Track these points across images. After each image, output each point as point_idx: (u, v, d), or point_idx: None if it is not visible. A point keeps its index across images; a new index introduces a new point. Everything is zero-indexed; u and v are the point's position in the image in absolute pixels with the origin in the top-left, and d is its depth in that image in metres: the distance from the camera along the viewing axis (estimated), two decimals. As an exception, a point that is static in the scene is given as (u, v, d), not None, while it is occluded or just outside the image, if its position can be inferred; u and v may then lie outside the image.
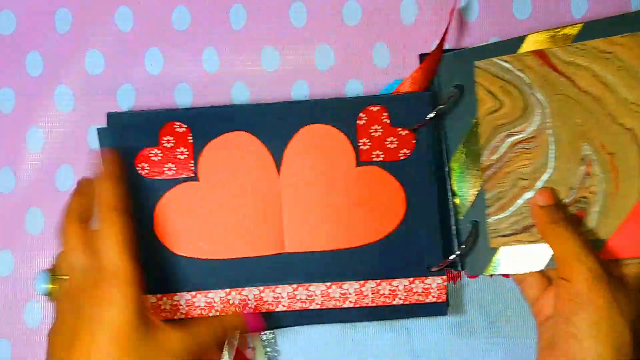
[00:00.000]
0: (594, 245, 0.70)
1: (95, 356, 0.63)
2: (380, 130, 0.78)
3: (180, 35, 0.84)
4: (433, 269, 0.76)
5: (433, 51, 0.79)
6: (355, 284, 0.77)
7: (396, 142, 0.77)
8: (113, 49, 0.83)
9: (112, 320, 0.64)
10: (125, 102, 0.83)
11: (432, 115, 0.77)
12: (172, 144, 0.76)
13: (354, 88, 0.83)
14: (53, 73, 0.83)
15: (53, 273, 0.68)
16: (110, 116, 0.77)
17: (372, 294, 0.77)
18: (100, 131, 0.76)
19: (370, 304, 0.77)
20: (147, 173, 0.77)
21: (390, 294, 0.77)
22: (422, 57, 0.81)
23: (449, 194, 0.78)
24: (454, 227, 0.78)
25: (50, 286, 0.68)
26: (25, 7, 0.84)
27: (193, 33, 0.84)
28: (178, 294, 0.75)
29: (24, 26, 0.84)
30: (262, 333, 0.79)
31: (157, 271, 0.75)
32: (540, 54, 0.74)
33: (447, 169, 0.78)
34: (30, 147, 0.82)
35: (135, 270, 0.66)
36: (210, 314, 0.75)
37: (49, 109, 0.83)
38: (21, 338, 0.80)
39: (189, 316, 0.75)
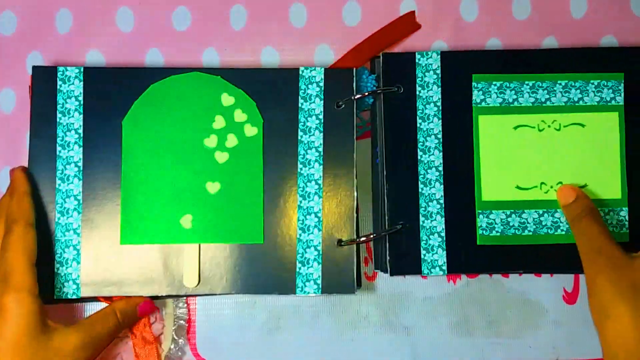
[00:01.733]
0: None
1: None
2: None
3: (181, 36, 0.79)
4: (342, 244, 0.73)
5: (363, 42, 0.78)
6: None
7: None
8: (113, 49, 0.79)
9: (10, 331, 0.64)
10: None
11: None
12: None
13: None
14: (53, 73, 0.77)
15: None
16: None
17: None
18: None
19: None
20: None
21: None
22: (387, 56, 0.76)
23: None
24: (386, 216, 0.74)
25: None
26: (26, 8, 0.79)
27: (193, 33, 0.79)
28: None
29: (25, 27, 0.79)
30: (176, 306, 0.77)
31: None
32: None
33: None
34: (28, 142, 0.75)
35: (32, 277, 0.66)
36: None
37: (49, 109, 0.78)
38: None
39: None
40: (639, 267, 0.63)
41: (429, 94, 0.75)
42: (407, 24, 0.79)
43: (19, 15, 0.79)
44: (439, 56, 0.75)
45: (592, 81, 0.74)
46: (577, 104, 0.74)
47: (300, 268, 0.73)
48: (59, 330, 0.66)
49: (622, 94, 0.74)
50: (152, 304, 0.73)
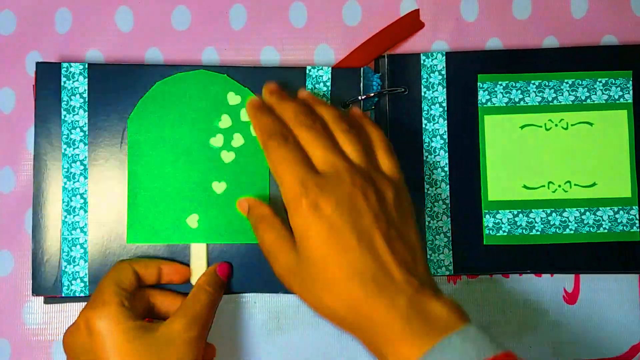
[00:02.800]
0: None
1: None
2: None
3: (180, 35, 0.76)
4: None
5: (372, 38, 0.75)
6: None
7: None
8: (113, 48, 0.76)
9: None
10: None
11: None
12: None
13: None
14: (53, 73, 0.76)
15: None
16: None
17: None
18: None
19: None
20: None
21: None
22: (392, 57, 0.74)
23: None
24: None
25: None
26: (26, 7, 0.76)
27: (193, 33, 0.76)
28: None
29: (24, 26, 0.76)
30: None
31: None
32: None
33: None
34: (30, 147, 0.74)
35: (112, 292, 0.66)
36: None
37: (49, 108, 0.77)
38: (20, 338, 0.73)
39: None
40: (307, 264, 0.60)
41: (434, 94, 0.73)
42: (412, 22, 0.76)
43: (18, 14, 0.76)
44: (444, 57, 0.73)
45: (599, 79, 0.72)
46: (584, 103, 0.72)
47: None
48: (158, 323, 0.64)
49: (631, 92, 0.72)
50: (227, 264, 0.71)
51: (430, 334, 0.53)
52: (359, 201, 0.58)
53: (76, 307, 0.72)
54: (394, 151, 0.66)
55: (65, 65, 0.72)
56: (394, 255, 0.57)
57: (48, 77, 0.72)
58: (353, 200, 0.58)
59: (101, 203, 0.71)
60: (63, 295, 0.70)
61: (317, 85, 0.72)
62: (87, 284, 0.70)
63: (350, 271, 0.56)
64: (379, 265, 0.56)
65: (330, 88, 0.72)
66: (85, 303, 0.65)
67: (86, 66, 0.72)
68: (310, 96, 0.68)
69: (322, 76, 0.72)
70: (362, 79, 0.73)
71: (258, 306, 0.73)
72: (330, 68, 0.72)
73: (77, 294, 0.70)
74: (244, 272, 0.71)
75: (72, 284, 0.70)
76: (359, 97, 0.72)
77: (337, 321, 0.58)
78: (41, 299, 0.72)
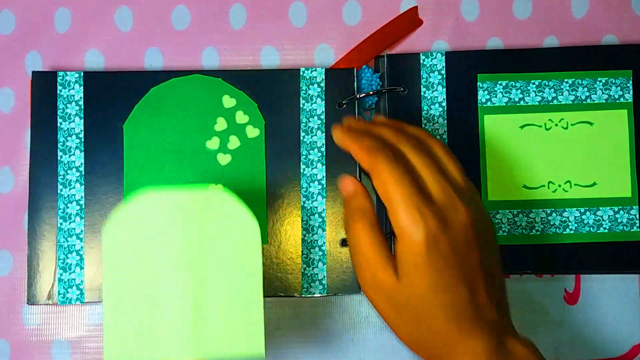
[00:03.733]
0: None
1: None
2: None
3: (180, 35, 0.76)
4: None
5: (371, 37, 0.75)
6: None
7: None
8: (112, 48, 0.76)
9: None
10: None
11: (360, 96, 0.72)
12: None
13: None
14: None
15: None
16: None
17: None
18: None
19: None
20: None
21: None
22: (391, 57, 0.74)
23: None
24: None
25: None
26: (25, 7, 0.76)
27: (193, 33, 0.76)
28: None
29: (24, 26, 0.76)
30: None
31: None
32: None
33: None
34: (29, 146, 0.73)
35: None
36: None
37: (49, 108, 0.77)
38: (20, 338, 0.73)
39: None
40: (409, 293, 0.58)
41: (434, 94, 0.73)
42: (410, 20, 0.76)
43: (18, 14, 0.76)
44: (444, 57, 0.73)
45: (599, 79, 0.72)
46: (584, 102, 0.72)
47: (305, 269, 0.71)
48: None
49: (631, 91, 0.72)
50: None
51: None
52: (471, 237, 0.57)
53: (75, 307, 0.72)
54: None
55: (61, 73, 0.72)
56: (489, 296, 0.57)
57: (44, 85, 0.72)
58: (468, 237, 0.57)
59: (97, 209, 0.71)
60: (59, 303, 0.70)
61: (311, 87, 0.72)
62: (83, 291, 0.70)
63: (453, 310, 0.56)
64: (476, 308, 0.56)
65: (324, 89, 0.72)
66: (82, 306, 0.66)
67: (82, 74, 0.72)
68: (389, 120, 0.67)
69: (315, 77, 0.72)
70: (356, 79, 0.73)
71: (258, 306, 0.73)
72: (323, 69, 0.72)
73: (72, 302, 0.70)
74: None
75: (67, 292, 0.70)
76: (356, 96, 0.72)
77: (424, 352, 0.58)
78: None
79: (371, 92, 0.72)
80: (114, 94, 0.72)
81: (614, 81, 0.72)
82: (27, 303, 0.70)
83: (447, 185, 0.58)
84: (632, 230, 0.71)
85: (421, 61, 0.73)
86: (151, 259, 0.58)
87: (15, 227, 0.74)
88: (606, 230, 0.71)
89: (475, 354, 0.55)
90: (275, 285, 0.71)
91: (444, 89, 0.72)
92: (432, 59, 0.73)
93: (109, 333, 0.57)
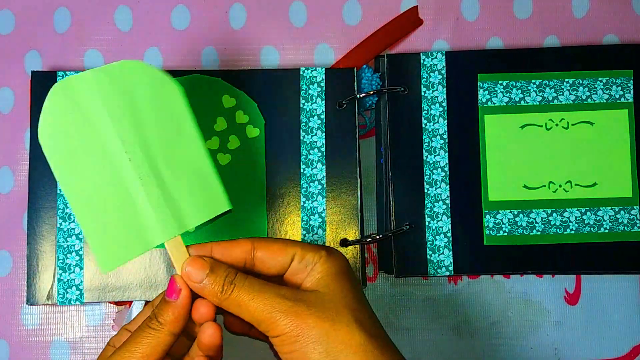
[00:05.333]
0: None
1: None
2: None
3: (180, 35, 0.76)
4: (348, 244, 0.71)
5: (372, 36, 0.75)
6: None
7: None
8: (112, 48, 0.76)
9: None
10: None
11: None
12: None
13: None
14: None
15: None
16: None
17: None
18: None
19: None
20: None
21: None
22: (391, 57, 0.74)
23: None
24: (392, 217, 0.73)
25: None
26: (25, 7, 0.76)
27: (192, 32, 0.76)
28: None
29: (23, 26, 0.76)
30: None
31: None
32: None
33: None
34: (28, 146, 0.74)
35: None
36: None
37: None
38: (19, 339, 0.73)
39: None
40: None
41: (434, 94, 0.73)
42: (410, 19, 0.76)
43: (17, 14, 0.76)
44: (444, 56, 0.73)
45: (600, 79, 0.72)
46: (585, 102, 0.72)
47: None
48: None
49: (632, 91, 0.72)
50: (176, 280, 0.57)
51: None
52: None
53: (74, 308, 0.72)
54: None
55: (60, 73, 0.72)
56: None
57: (43, 85, 0.71)
58: None
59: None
60: (58, 304, 0.70)
61: (311, 86, 0.72)
62: (83, 292, 0.70)
63: None
64: None
65: (324, 88, 0.72)
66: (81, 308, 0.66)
67: None
68: None
69: (315, 77, 0.72)
70: (356, 79, 0.73)
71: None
72: (324, 69, 0.72)
73: (72, 303, 0.70)
74: None
75: (67, 292, 0.70)
76: (357, 96, 0.72)
77: None
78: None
79: (371, 92, 0.72)
80: None
81: (614, 81, 0.72)
82: (27, 303, 0.70)
83: None
84: (632, 230, 0.71)
85: (421, 61, 0.73)
86: (95, 152, 0.56)
87: (15, 227, 0.73)
88: (607, 231, 0.71)
89: None
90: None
91: (445, 89, 0.72)
92: (432, 59, 0.73)
93: (93, 242, 0.56)
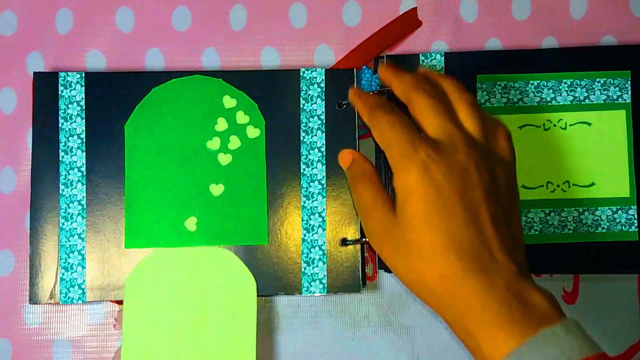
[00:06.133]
0: None
1: None
2: None
3: (181, 36, 0.76)
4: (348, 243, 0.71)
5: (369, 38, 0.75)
6: None
7: None
8: (113, 49, 0.76)
9: None
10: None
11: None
12: None
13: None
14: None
15: None
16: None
17: None
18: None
19: None
20: None
21: None
22: (391, 58, 0.74)
23: None
24: None
25: None
26: (26, 8, 0.76)
27: (193, 33, 0.76)
28: None
29: (25, 26, 0.76)
30: None
31: None
32: None
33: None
34: (31, 146, 0.73)
35: None
36: None
37: (50, 109, 0.78)
38: (21, 338, 0.73)
39: None
40: (405, 227, 0.56)
41: None
42: (410, 20, 0.76)
43: (19, 15, 0.76)
44: (443, 57, 0.73)
45: (598, 79, 0.72)
46: (583, 103, 0.72)
47: (305, 268, 0.71)
48: None
49: (629, 92, 0.72)
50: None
51: (530, 323, 0.50)
52: (471, 173, 0.55)
53: (76, 307, 0.72)
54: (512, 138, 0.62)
55: (62, 74, 0.72)
56: (499, 236, 0.54)
57: (46, 86, 0.72)
58: (465, 171, 0.55)
59: (99, 209, 0.71)
60: (61, 303, 0.70)
61: (311, 87, 0.72)
62: (85, 291, 0.70)
63: (450, 240, 0.53)
64: (481, 241, 0.54)
65: (324, 89, 0.72)
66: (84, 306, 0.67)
67: (83, 75, 0.72)
68: (430, 70, 0.65)
69: (316, 77, 0.72)
70: (356, 79, 0.73)
71: (258, 306, 0.73)
72: (323, 70, 0.73)
73: (74, 302, 0.70)
74: None
75: (69, 291, 0.70)
76: None
77: (424, 293, 0.55)
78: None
79: (371, 93, 0.72)
80: (115, 95, 0.72)
81: (612, 82, 0.72)
82: (30, 302, 0.70)
83: (450, 125, 0.58)
84: (630, 230, 0.71)
85: (420, 62, 0.73)
86: (162, 306, 0.69)
87: (17, 226, 0.73)
88: (604, 231, 0.71)
89: (478, 293, 0.52)
90: (275, 284, 0.71)
91: None
92: (431, 60, 0.73)
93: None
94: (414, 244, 0.55)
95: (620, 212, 0.71)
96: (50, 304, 0.71)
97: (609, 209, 0.71)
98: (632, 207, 0.71)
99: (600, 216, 0.71)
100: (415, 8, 0.76)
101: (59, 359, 0.72)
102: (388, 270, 0.72)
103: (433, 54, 0.73)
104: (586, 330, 0.52)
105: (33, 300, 0.70)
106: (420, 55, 0.73)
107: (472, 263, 0.53)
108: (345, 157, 0.66)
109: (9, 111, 0.75)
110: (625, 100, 0.72)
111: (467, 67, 0.73)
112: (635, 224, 0.71)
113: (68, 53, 0.75)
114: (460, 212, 0.54)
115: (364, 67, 0.74)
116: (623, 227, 0.71)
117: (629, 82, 0.72)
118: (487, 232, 0.54)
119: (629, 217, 0.71)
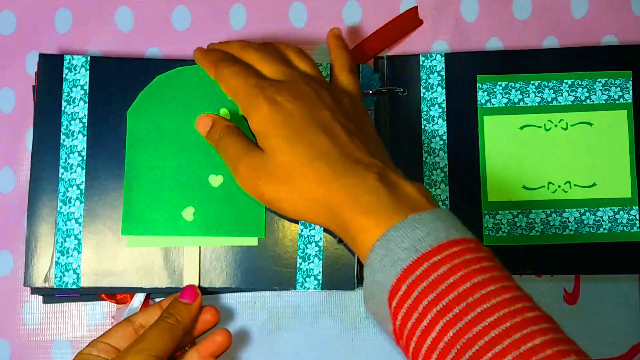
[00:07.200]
0: None
1: None
2: None
3: (180, 35, 0.76)
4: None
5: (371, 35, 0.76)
6: None
7: None
8: (113, 48, 0.76)
9: None
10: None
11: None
12: None
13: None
14: (53, 73, 0.76)
15: None
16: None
17: None
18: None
19: None
20: None
21: None
22: (391, 58, 0.74)
23: None
24: None
25: None
26: (26, 7, 0.76)
27: (193, 33, 0.76)
28: None
29: (24, 26, 0.76)
30: None
31: None
32: None
33: None
34: (30, 147, 0.73)
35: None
36: None
37: (49, 109, 0.77)
38: (20, 338, 0.73)
39: None
40: (272, 155, 0.60)
41: (434, 95, 0.73)
42: (410, 19, 0.76)
43: (19, 14, 0.76)
44: (443, 58, 0.73)
45: (599, 79, 0.72)
46: (584, 103, 0.72)
47: (300, 263, 0.71)
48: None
49: (631, 92, 0.72)
50: (192, 287, 0.68)
51: (399, 210, 0.53)
52: (314, 98, 0.61)
53: (75, 307, 0.72)
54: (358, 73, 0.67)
55: (67, 57, 0.71)
56: (356, 142, 0.59)
57: (50, 68, 0.71)
58: (309, 96, 0.61)
59: (97, 194, 0.71)
60: (55, 287, 0.69)
61: None
62: (80, 276, 0.70)
63: (313, 151, 0.58)
64: (341, 149, 0.58)
65: None
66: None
67: (88, 59, 0.71)
68: (241, 40, 0.70)
69: None
70: (359, 75, 0.72)
71: (258, 306, 0.73)
72: (328, 64, 0.72)
73: (69, 286, 0.69)
74: (239, 271, 0.71)
75: (64, 275, 0.70)
76: None
77: (312, 208, 0.58)
78: (40, 298, 0.72)
79: (370, 92, 0.72)
80: (120, 80, 0.72)
81: (613, 82, 0.72)
82: (24, 285, 0.69)
83: (286, 68, 0.64)
84: (632, 230, 0.71)
85: (421, 62, 0.73)
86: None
87: (15, 227, 0.73)
88: (606, 231, 0.71)
89: (350, 190, 0.55)
90: (270, 278, 0.71)
91: (444, 90, 0.72)
92: (431, 60, 0.73)
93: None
94: (287, 165, 0.58)
95: (621, 212, 0.71)
96: (45, 287, 0.70)
97: (611, 209, 0.71)
98: (633, 207, 0.71)
99: (601, 217, 0.71)
100: (416, 7, 0.75)
101: (58, 359, 0.72)
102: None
103: (434, 55, 0.73)
104: (460, 221, 0.54)
105: (27, 282, 0.69)
106: (421, 55, 0.73)
107: (339, 166, 0.57)
108: (204, 121, 0.67)
109: (7, 111, 0.75)
110: (626, 100, 0.72)
111: (468, 67, 0.73)
112: (637, 225, 0.71)
113: (67, 52, 0.75)
114: (314, 128, 0.59)
115: (365, 65, 0.73)
116: (625, 227, 0.71)
117: (631, 82, 0.72)
118: (344, 141, 0.58)
119: (630, 217, 0.71)
